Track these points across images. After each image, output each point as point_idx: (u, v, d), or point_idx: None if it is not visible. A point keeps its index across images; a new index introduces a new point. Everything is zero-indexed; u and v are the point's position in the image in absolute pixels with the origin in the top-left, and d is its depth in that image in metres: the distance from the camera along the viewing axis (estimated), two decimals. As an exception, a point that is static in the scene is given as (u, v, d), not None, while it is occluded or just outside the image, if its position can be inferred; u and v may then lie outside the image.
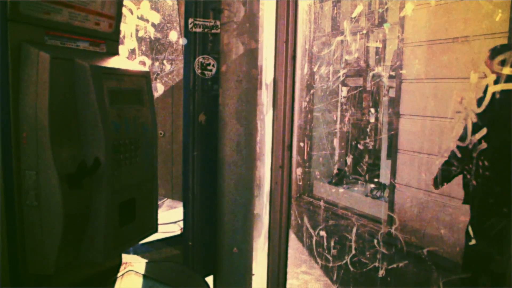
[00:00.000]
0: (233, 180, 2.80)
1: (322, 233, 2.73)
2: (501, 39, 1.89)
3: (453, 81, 2.16)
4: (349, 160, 3.05)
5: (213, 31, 2.69)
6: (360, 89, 2.93)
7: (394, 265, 2.36)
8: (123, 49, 2.63)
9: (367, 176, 3.03)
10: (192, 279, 2.45)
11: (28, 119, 1.46)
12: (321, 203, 2.81)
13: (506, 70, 1.83)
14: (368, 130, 2.90)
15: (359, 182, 3.07)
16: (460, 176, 2.23)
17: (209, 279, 2.91)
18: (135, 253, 2.71)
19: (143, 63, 2.76)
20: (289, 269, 2.94)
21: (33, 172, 1.47)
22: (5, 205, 1.46)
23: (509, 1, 1.85)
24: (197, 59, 2.67)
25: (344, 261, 2.60)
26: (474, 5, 1.98)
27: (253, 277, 2.91)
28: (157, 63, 2.87)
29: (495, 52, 1.82)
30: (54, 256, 1.51)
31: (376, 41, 2.93)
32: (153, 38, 2.78)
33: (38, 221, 1.50)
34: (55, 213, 1.48)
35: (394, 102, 2.69)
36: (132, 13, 2.65)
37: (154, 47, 2.82)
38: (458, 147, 2.07)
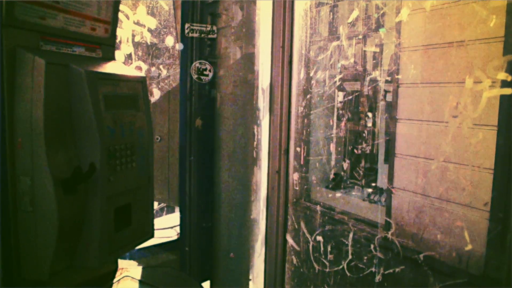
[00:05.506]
0: (229, 185, 2.80)
1: (319, 238, 2.73)
2: (496, 44, 1.90)
3: (449, 85, 2.17)
4: (346, 165, 3.04)
5: (210, 36, 2.69)
6: (357, 94, 2.93)
7: (391, 270, 2.35)
8: (119, 54, 2.63)
9: (364, 181, 3.03)
10: (189, 284, 2.45)
11: (23, 124, 1.45)
12: (318, 207, 2.80)
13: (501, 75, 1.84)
14: (365, 134, 2.90)
15: (356, 186, 3.07)
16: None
17: (206, 285, 2.90)
18: (131, 258, 2.71)
19: (140, 68, 2.76)
20: (286, 274, 2.93)
21: (27, 178, 1.47)
22: (0, 211, 1.45)
23: (504, 7, 1.86)
24: (193, 64, 2.67)
25: (341, 266, 2.59)
26: (469, 10, 1.99)
27: (250, 283, 2.91)
28: (153, 68, 2.87)
29: None
30: (48, 261, 1.50)
31: (373, 46, 2.93)
32: (149, 43, 2.78)
33: (32, 226, 1.49)
34: (49, 219, 1.48)
35: (391, 107, 2.69)
36: (128, 18, 2.65)
37: (151, 52, 2.82)
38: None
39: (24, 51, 1.45)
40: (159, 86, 2.88)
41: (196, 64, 2.68)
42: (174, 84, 2.87)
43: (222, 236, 2.85)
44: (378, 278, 2.40)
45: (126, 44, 2.68)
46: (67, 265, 1.62)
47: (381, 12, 2.65)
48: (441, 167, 2.23)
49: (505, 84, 1.84)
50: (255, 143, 2.83)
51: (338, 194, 2.98)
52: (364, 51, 2.98)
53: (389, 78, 2.67)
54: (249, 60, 2.76)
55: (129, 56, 2.71)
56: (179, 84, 2.75)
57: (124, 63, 2.66)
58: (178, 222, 2.90)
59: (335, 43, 2.83)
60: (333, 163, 3.08)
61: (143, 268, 2.30)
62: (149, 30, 2.74)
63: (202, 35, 2.68)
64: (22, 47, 1.45)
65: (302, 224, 2.84)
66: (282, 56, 2.70)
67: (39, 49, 1.54)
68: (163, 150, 2.89)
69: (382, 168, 2.96)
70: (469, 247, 2.06)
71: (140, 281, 2.13)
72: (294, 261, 2.89)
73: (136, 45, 2.72)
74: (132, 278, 2.13)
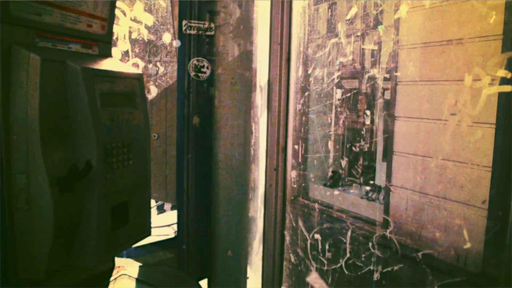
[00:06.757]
0: (227, 183, 2.79)
1: (317, 236, 2.72)
2: (495, 42, 1.89)
3: (447, 83, 2.16)
4: (344, 162, 3.04)
5: (208, 33, 2.68)
6: (355, 91, 2.92)
7: (389, 268, 2.35)
8: (116, 51, 2.61)
9: (362, 179, 3.02)
10: (186, 282, 2.44)
11: (18, 122, 1.44)
12: (316, 205, 2.80)
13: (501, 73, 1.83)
14: (363, 132, 2.89)
15: (354, 184, 3.06)
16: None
17: (204, 283, 2.89)
18: (128, 256, 2.70)
19: (137, 65, 2.74)
20: (284, 272, 2.93)
21: (23, 176, 1.46)
22: (-5, 209, 1.44)
23: (503, 4, 1.85)
24: (191, 61, 2.66)
25: (339, 264, 2.59)
26: (469, 8, 1.98)
27: (248, 281, 2.90)
28: (150, 65, 2.86)
29: None
30: (44, 260, 1.49)
31: (371, 44, 2.93)
32: (146, 40, 2.76)
33: (28, 225, 1.48)
34: (45, 217, 1.46)
35: (389, 104, 2.68)
36: (125, 14, 2.63)
37: (148, 49, 2.80)
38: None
39: (19, 48, 1.43)
40: (156, 84, 2.86)
41: (193, 61, 2.66)
42: (172, 82, 2.85)
43: (219, 234, 2.84)
44: (376, 276, 2.40)
45: (123, 41, 2.66)
46: (63, 264, 1.61)
47: (380, 9, 2.64)
48: (439, 165, 2.23)
49: (504, 81, 1.83)
50: (253, 140, 2.82)
51: (336, 192, 2.98)
52: (363, 48, 2.97)
53: (387, 76, 2.66)
54: (247, 57, 2.74)
55: (126, 53, 2.69)
56: (177, 82, 2.73)
57: (121, 60, 2.64)
58: (175, 219, 2.89)
59: (333, 41, 2.82)
60: (331, 160, 3.07)
61: (140, 267, 2.29)
62: (146, 27, 2.73)
63: (200, 32, 2.66)
64: (17, 44, 1.44)
65: (300, 222, 2.83)
66: (280, 53, 2.69)
67: (34, 46, 1.52)
68: (160, 147, 2.88)
69: (380, 166, 2.96)
70: (467, 245, 2.06)
71: (137, 280, 2.12)
72: (292, 259, 2.89)
73: (133, 42, 2.70)
74: (129, 276, 2.12)
